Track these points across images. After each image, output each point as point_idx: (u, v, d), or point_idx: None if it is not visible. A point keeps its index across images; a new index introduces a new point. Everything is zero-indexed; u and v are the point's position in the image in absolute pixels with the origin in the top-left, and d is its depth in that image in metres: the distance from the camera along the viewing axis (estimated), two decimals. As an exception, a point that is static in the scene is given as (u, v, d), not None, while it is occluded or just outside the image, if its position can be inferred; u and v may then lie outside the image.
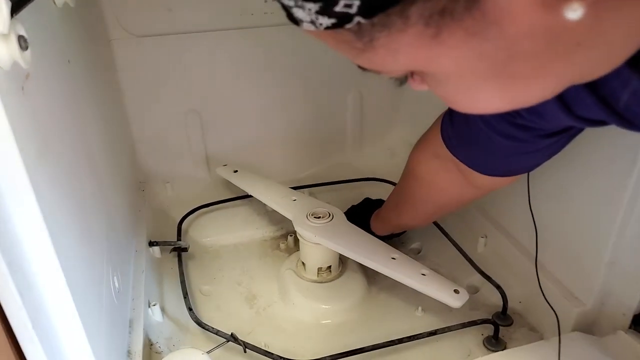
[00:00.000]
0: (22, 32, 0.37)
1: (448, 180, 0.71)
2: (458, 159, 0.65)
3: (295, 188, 1.05)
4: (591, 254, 0.70)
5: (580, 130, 0.56)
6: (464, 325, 0.76)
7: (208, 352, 0.68)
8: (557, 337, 0.66)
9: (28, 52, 0.37)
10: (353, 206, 1.01)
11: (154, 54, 0.97)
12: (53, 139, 0.49)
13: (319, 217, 0.87)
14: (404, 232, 0.99)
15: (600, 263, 0.69)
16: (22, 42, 0.36)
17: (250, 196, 1.05)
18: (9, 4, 0.34)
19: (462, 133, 0.64)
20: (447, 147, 0.66)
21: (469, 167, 0.65)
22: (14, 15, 0.36)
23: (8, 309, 0.40)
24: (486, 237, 0.92)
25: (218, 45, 1.00)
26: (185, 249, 0.92)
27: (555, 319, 0.74)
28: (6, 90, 0.36)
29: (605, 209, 0.67)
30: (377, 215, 0.92)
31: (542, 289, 0.75)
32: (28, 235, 0.41)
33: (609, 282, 0.69)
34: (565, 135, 0.56)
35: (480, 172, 0.65)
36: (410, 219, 0.86)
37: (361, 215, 0.95)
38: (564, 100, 0.46)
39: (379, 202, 0.96)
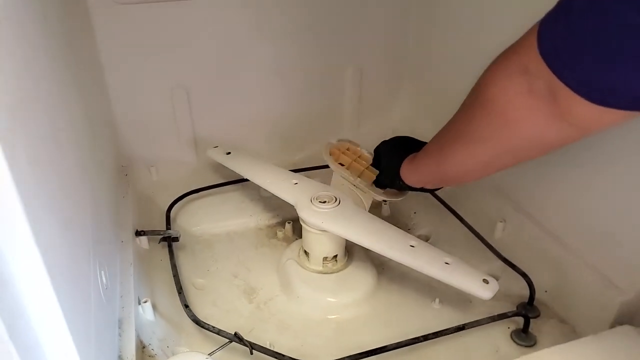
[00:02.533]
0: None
1: (530, 108, 0.50)
2: (560, 77, 0.45)
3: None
4: (633, 237, 0.64)
5: None
6: (494, 319, 0.69)
7: (210, 355, 0.60)
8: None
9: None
10: (384, 141, 0.83)
11: (137, 23, 0.86)
12: (28, 100, 0.40)
13: (325, 202, 0.78)
14: (438, 189, 0.81)
15: (643, 247, 0.62)
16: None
17: (243, 181, 0.97)
18: None
19: (579, 33, 0.43)
20: (545, 57, 0.45)
21: (576, 90, 0.44)
22: None
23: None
24: (505, 221, 0.85)
25: (208, 13, 0.90)
26: (176, 239, 0.83)
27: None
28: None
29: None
30: (414, 158, 0.73)
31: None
32: (2, 222, 0.32)
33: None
34: None
35: (593, 100, 0.44)
36: (457, 165, 0.63)
37: (392, 154, 0.78)
38: None
39: (414, 143, 0.77)
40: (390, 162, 0.78)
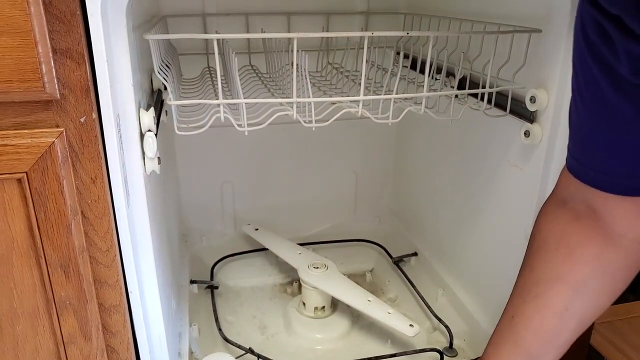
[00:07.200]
0: (159, 155, 0.68)
1: (584, 231, 0.51)
2: (585, 181, 0.47)
3: (302, 244, 1.35)
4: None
5: None
6: (416, 352, 1.03)
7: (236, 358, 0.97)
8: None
9: (160, 165, 0.69)
10: None
11: (202, 141, 1.29)
12: (156, 204, 0.80)
13: (317, 268, 1.16)
14: None
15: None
16: (159, 160, 0.68)
17: (267, 249, 1.35)
18: (156, 140, 0.66)
19: (589, 137, 0.46)
20: (571, 171, 0.49)
21: (604, 189, 0.46)
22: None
23: (135, 318, 0.70)
24: (443, 289, 1.21)
25: (252, 137, 1.33)
26: (216, 287, 1.22)
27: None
28: (146, 184, 0.67)
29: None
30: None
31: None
32: (146, 268, 0.71)
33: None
34: None
35: (618, 191, 0.46)
36: (537, 332, 0.58)
37: None
38: None
39: None
40: None
